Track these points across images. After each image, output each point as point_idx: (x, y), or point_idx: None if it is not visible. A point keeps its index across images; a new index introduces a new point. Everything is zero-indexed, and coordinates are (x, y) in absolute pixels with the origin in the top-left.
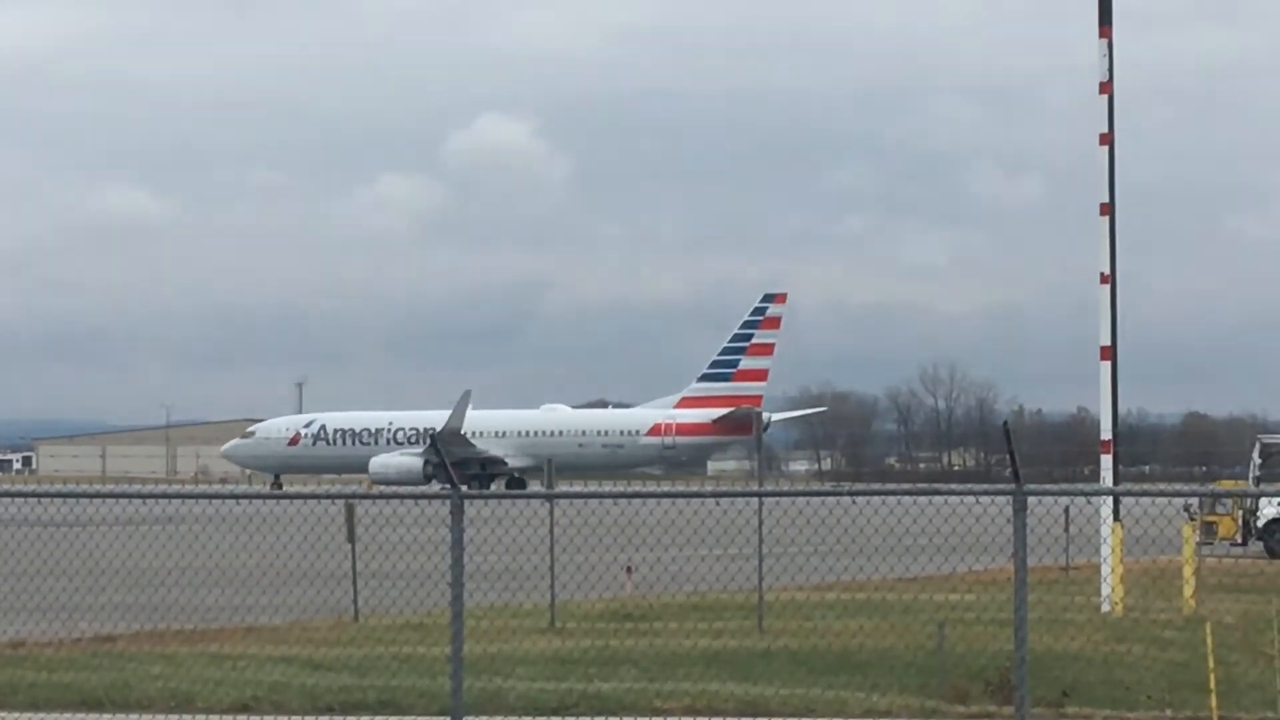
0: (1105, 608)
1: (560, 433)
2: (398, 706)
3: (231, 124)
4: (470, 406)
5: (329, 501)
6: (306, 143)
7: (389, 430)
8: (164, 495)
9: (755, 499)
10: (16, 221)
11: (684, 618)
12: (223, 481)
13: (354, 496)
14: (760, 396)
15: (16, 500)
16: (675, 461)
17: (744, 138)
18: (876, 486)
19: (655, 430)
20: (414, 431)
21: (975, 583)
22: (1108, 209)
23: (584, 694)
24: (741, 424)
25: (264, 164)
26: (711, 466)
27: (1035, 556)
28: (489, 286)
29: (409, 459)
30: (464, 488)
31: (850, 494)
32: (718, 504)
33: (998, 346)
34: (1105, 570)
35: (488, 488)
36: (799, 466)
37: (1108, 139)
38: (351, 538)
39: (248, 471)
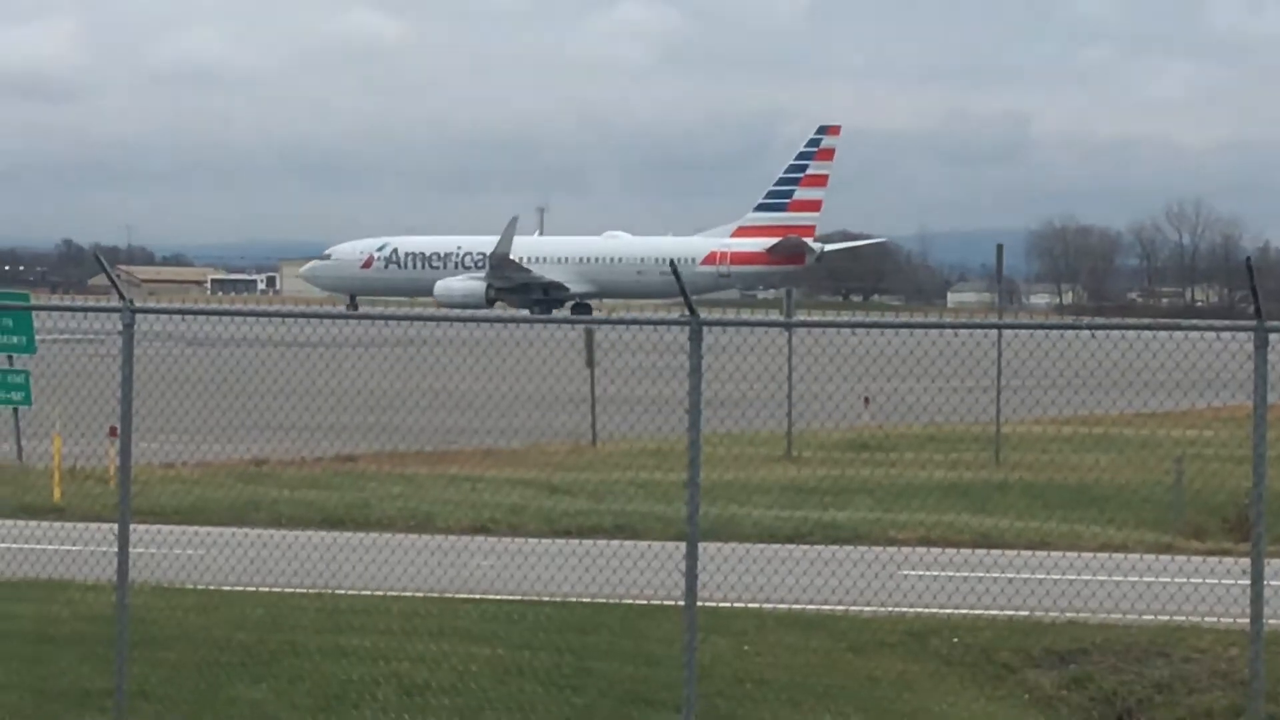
0: None
1: (620, 259)
2: (634, 531)
3: None
4: (537, 232)
5: (555, 326)
6: None
7: (458, 254)
8: (396, 317)
9: (994, 331)
10: (258, 43)
11: (920, 448)
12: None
13: (594, 322)
14: (813, 226)
15: (261, 320)
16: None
17: None
18: (1116, 321)
19: (710, 259)
20: (481, 256)
21: (1214, 419)
22: None
23: (819, 522)
24: (793, 253)
25: None
26: (952, 298)
27: (1276, 394)
28: (726, 114)
29: (473, 283)
30: (701, 314)
31: (1090, 328)
32: (956, 335)
33: (1245, 182)
34: None
35: (549, 311)
36: (1040, 300)
37: None
38: (590, 363)
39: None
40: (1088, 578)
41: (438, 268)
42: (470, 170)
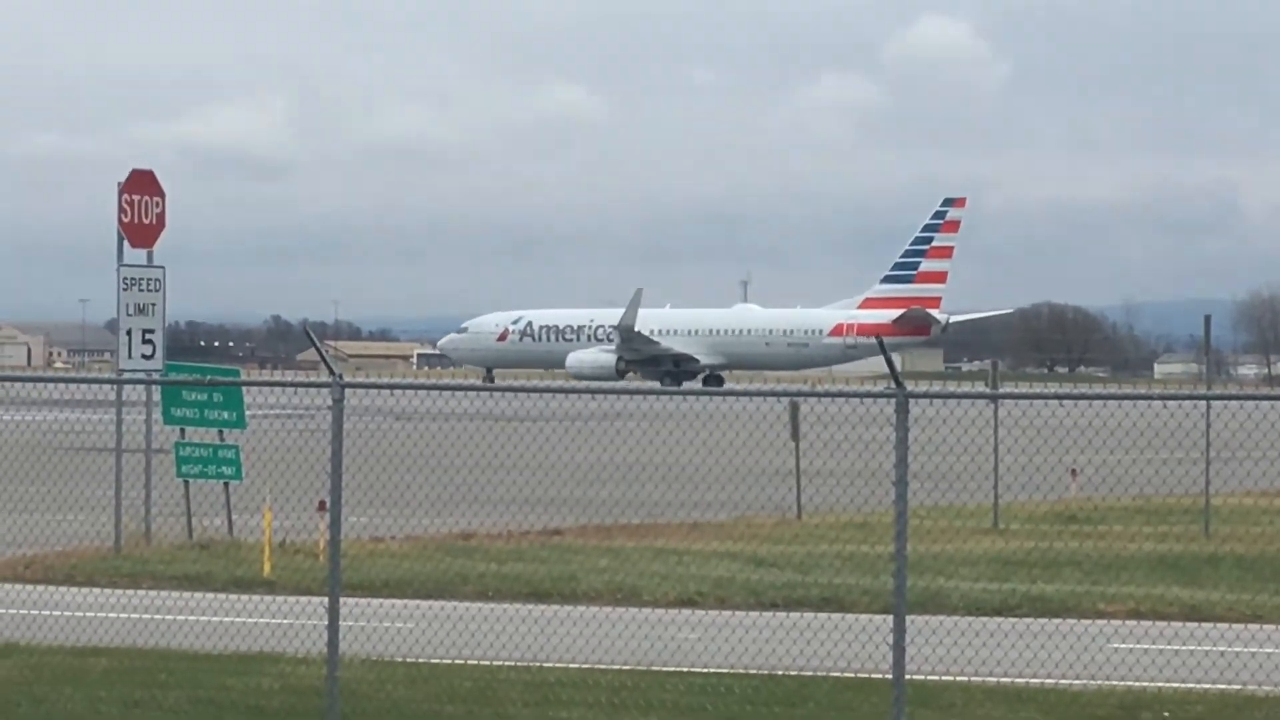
0: None
1: (748, 331)
2: (840, 604)
3: (670, 22)
4: (668, 305)
5: (755, 399)
6: (745, 43)
7: (590, 327)
8: (597, 391)
9: (1203, 402)
10: (463, 120)
11: (1129, 520)
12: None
13: (800, 394)
14: (939, 298)
15: (469, 394)
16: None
17: (1182, 36)
18: None
19: (837, 330)
20: (613, 329)
21: None
22: None
23: (1026, 595)
24: (919, 324)
25: (701, 64)
26: (1159, 369)
27: None
28: (927, 187)
29: (604, 355)
30: (907, 385)
31: None
32: (1165, 406)
33: None
34: None
35: (679, 383)
36: (1247, 371)
37: None
38: (795, 435)
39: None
40: None
41: (571, 340)
42: (674, 243)
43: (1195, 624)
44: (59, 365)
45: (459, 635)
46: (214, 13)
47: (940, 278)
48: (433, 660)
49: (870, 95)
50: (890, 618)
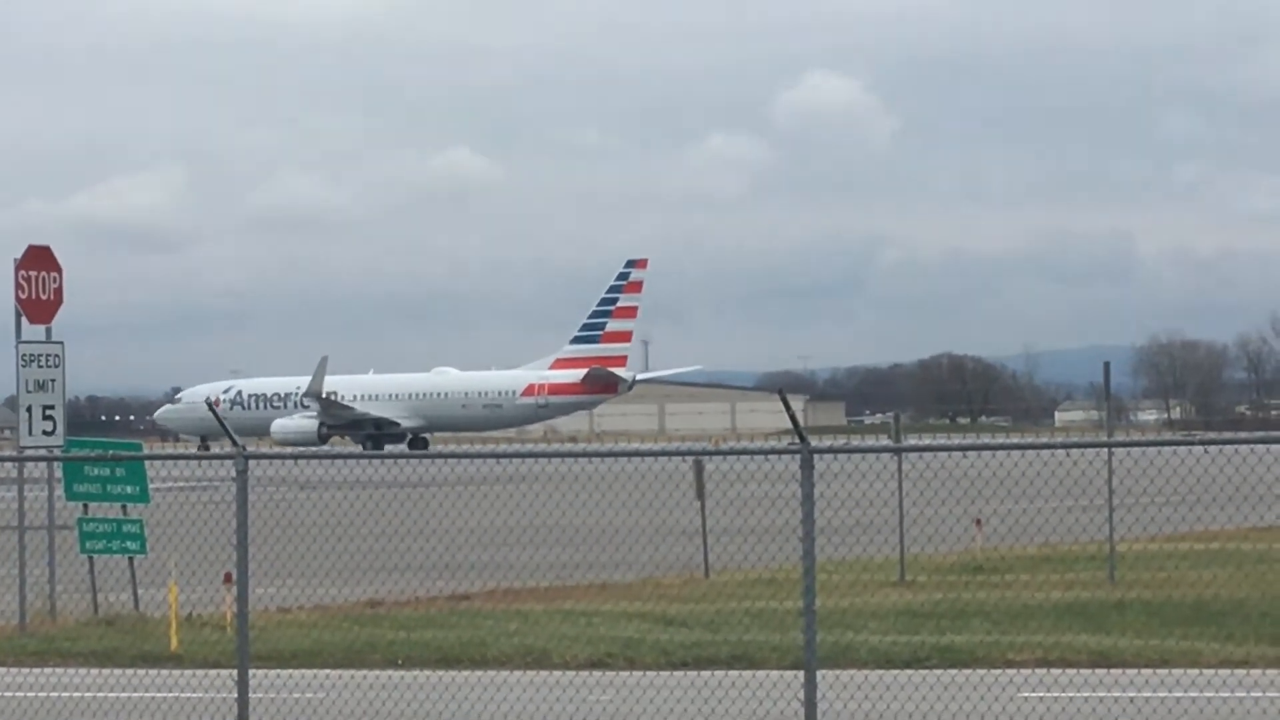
0: None
1: (445, 395)
2: (750, 660)
3: (555, 87)
4: (370, 371)
5: (672, 459)
6: (631, 107)
7: (295, 395)
8: (504, 455)
9: (1104, 449)
10: (353, 188)
11: (1035, 569)
12: (569, 439)
13: (704, 453)
14: (625, 356)
15: (375, 462)
16: (548, 418)
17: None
18: (1228, 435)
19: (529, 390)
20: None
21: None
22: None
23: (936, 646)
24: (606, 383)
25: (592, 127)
26: (1060, 417)
27: None
28: (821, 243)
29: (306, 421)
30: (812, 441)
31: (1202, 443)
32: (1068, 454)
33: None
34: None
35: (381, 447)
36: (1148, 416)
37: None
38: (700, 494)
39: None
40: (1210, 694)
41: (279, 408)
42: (569, 304)
43: (1104, 670)
44: None
45: (370, 704)
46: (102, 86)
47: (625, 337)
48: None
49: (759, 152)
50: (801, 673)
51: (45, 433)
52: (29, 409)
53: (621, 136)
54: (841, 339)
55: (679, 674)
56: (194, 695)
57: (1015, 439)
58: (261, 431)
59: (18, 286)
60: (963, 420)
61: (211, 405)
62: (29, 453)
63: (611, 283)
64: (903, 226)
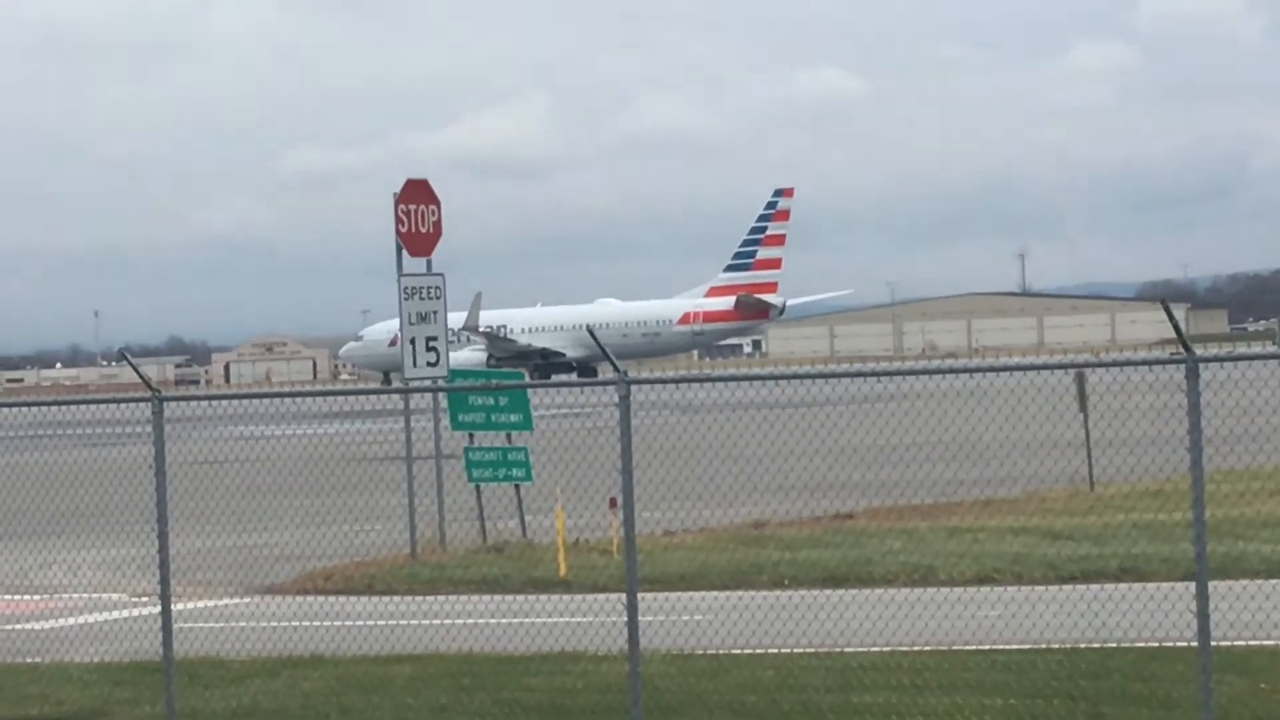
0: None
1: (607, 325)
2: (1139, 573)
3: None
4: (538, 304)
5: (1054, 373)
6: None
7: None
8: (882, 374)
9: None
10: (720, 108)
11: None
12: (948, 356)
13: (1086, 365)
14: (775, 283)
15: (755, 384)
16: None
17: None
18: None
19: (685, 319)
20: (489, 328)
21: None
22: None
23: None
24: (757, 310)
25: (953, 40)
26: None
27: None
28: (1195, 148)
29: (475, 354)
30: (1196, 350)
31: None
32: None
33: None
34: None
35: (549, 376)
36: None
37: None
38: (1083, 406)
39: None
40: None
41: (452, 343)
42: (941, 221)
43: None
44: (344, 378)
45: (757, 625)
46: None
47: (775, 264)
48: (732, 651)
49: (1126, 59)
50: (1191, 584)
51: (430, 364)
52: (412, 341)
53: (981, 49)
54: (1220, 245)
55: (1067, 588)
56: (584, 619)
57: None
58: None
59: (398, 220)
60: None
61: (392, 343)
62: (414, 384)
63: (760, 211)
64: (1275, 126)
